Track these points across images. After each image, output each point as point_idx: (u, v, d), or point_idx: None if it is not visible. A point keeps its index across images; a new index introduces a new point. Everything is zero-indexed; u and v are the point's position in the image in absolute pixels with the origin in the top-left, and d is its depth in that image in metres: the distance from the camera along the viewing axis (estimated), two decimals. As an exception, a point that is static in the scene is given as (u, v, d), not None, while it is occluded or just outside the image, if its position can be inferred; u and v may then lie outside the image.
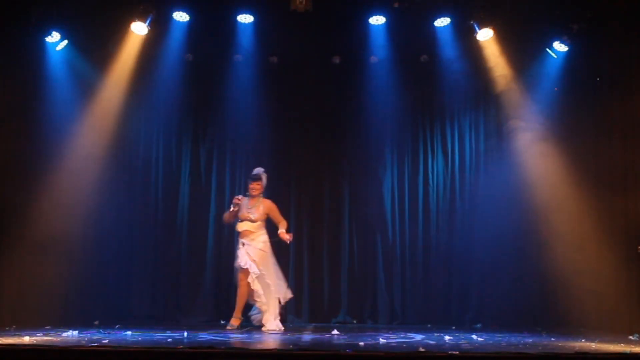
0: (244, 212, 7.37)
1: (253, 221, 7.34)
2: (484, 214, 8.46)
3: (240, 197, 7.42)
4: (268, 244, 7.39)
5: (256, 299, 7.27)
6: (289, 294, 7.56)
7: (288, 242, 7.36)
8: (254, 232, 7.33)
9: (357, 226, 8.64)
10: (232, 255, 8.53)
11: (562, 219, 8.23)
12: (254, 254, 7.26)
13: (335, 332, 6.92)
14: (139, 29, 7.81)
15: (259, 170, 7.55)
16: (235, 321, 7.31)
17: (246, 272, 7.23)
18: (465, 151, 8.68)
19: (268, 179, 7.63)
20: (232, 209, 7.38)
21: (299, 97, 8.73)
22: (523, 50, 8.28)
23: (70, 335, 6.27)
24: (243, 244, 7.31)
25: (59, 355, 4.94)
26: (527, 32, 8.06)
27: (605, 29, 7.72)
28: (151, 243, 8.48)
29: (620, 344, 6.03)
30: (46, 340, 5.77)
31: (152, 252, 8.47)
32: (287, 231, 7.34)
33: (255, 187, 7.44)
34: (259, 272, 7.22)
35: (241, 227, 7.37)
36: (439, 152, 8.72)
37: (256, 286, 7.22)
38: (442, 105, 8.74)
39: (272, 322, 7.25)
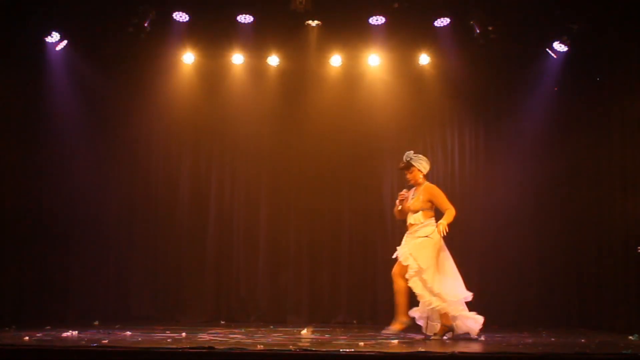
0: (407, 204, 6.54)
1: (413, 212, 6.46)
2: (483, 214, 8.46)
3: (404, 191, 6.59)
4: (434, 236, 6.34)
5: (418, 299, 6.34)
6: (461, 295, 6.40)
7: (440, 234, 6.29)
8: (415, 224, 6.43)
9: (357, 226, 8.64)
10: (230, 255, 8.58)
11: (562, 218, 8.25)
12: (411, 248, 6.37)
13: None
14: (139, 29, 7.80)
15: (406, 155, 6.59)
16: (396, 325, 6.37)
17: (403, 267, 6.37)
18: (465, 151, 8.68)
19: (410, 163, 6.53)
20: (396, 205, 6.62)
21: (298, 96, 8.73)
22: (523, 50, 8.29)
23: (70, 335, 6.27)
24: (405, 238, 6.50)
25: (59, 355, 4.94)
26: (527, 32, 8.07)
27: (605, 29, 7.73)
28: (151, 243, 8.48)
29: (620, 344, 6.03)
30: (46, 340, 5.77)
31: (152, 251, 8.47)
32: (450, 222, 6.33)
33: (410, 177, 6.57)
34: (417, 267, 6.28)
35: (407, 220, 6.52)
36: (438, 152, 8.72)
37: (413, 284, 6.29)
38: (441, 105, 8.74)
39: (432, 326, 6.36)
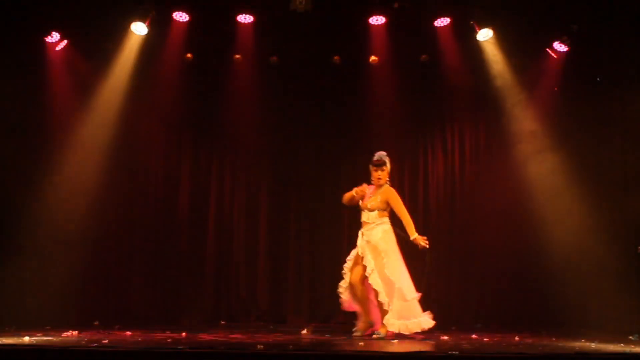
0: (364, 201, 6.67)
1: (370, 210, 6.61)
2: (483, 214, 8.47)
3: (364, 186, 6.69)
4: (390, 235, 6.57)
5: (378, 298, 6.36)
6: (414, 293, 6.52)
7: (421, 247, 6.51)
8: (370, 222, 6.59)
9: (357, 226, 8.60)
10: (230, 255, 8.58)
11: (562, 219, 8.24)
12: (369, 247, 6.50)
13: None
14: (139, 29, 7.81)
15: (382, 154, 6.75)
16: (362, 325, 6.57)
17: (363, 266, 6.47)
18: (465, 151, 8.68)
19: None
20: (354, 194, 6.66)
21: (298, 96, 8.73)
22: (523, 50, 8.29)
23: (70, 335, 6.27)
24: (361, 235, 6.61)
25: (59, 355, 4.94)
26: (527, 32, 8.07)
27: (605, 29, 7.72)
28: (151, 243, 8.48)
29: (620, 344, 6.03)
30: (46, 340, 5.77)
31: (152, 252, 8.47)
32: (418, 231, 6.49)
33: (380, 176, 6.68)
34: (372, 267, 6.39)
35: (362, 217, 6.67)
36: (438, 152, 8.73)
37: (374, 282, 6.36)
38: (441, 105, 8.74)
39: (395, 323, 6.34)
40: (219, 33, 8.24)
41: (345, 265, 6.71)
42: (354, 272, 6.58)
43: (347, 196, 6.78)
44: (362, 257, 6.49)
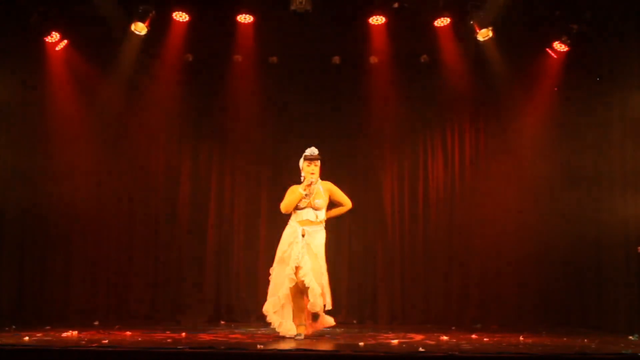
0: (307, 200, 6.47)
1: (316, 209, 6.44)
2: (483, 214, 8.46)
3: (310, 182, 6.47)
4: (323, 243, 6.50)
5: (310, 298, 6.31)
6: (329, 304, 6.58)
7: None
8: (317, 223, 6.44)
9: (357, 226, 8.64)
10: (230, 255, 8.58)
11: (562, 218, 8.25)
12: (315, 248, 6.38)
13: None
14: (139, 29, 7.81)
15: (315, 150, 6.60)
16: (302, 329, 6.37)
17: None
18: (464, 151, 8.68)
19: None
20: (304, 194, 6.42)
21: (298, 97, 8.72)
22: (523, 50, 8.28)
23: (70, 335, 6.27)
24: (302, 234, 6.39)
25: (59, 355, 4.95)
26: (527, 32, 8.07)
27: (605, 29, 7.72)
28: (151, 243, 8.48)
29: (620, 344, 6.03)
30: (46, 340, 5.77)
31: (152, 251, 8.46)
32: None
33: (314, 171, 6.48)
34: (321, 270, 6.36)
35: (301, 216, 6.45)
36: (438, 152, 8.73)
37: (313, 284, 6.25)
38: (441, 105, 8.73)
39: (323, 322, 6.52)
40: (219, 33, 8.24)
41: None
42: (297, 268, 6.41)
43: (293, 200, 6.45)
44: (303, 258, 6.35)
